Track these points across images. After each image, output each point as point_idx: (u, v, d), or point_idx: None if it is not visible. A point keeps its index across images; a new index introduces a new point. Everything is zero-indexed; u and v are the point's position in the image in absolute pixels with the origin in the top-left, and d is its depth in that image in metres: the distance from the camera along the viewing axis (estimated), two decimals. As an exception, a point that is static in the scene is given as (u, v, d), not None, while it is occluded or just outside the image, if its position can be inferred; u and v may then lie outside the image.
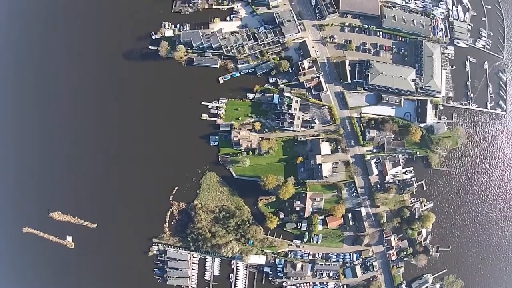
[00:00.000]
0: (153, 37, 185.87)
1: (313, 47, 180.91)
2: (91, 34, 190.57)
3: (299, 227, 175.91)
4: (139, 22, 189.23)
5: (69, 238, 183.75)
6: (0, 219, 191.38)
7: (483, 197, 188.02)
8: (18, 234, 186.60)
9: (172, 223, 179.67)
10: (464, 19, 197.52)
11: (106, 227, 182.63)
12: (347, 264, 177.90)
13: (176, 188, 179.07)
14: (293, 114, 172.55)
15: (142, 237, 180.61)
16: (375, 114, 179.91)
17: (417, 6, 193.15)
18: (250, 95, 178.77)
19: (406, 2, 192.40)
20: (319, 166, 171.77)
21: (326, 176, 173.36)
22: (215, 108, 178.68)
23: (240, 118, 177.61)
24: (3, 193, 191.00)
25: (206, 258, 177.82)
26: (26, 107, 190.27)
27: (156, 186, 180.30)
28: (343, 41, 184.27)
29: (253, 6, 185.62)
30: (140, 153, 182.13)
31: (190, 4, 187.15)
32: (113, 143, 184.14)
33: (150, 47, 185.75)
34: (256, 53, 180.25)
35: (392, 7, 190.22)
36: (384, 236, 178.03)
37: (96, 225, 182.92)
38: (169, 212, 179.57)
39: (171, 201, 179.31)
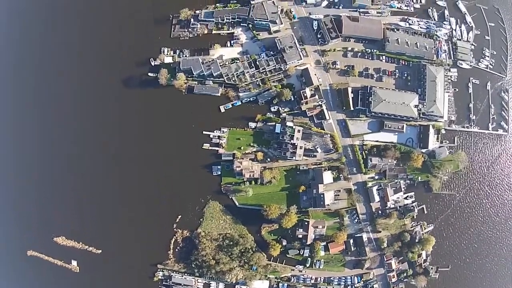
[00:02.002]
0: (152, 63, 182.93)
1: (315, 74, 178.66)
2: (89, 60, 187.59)
3: (301, 253, 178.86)
4: (138, 47, 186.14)
5: (74, 263, 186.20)
6: (4, 241, 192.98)
7: (482, 219, 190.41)
8: (22, 256, 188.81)
9: (177, 250, 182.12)
10: (467, 38, 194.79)
11: (111, 253, 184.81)
12: (348, 287, 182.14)
13: (180, 216, 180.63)
14: (296, 144, 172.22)
15: (146, 263, 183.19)
16: (377, 141, 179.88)
17: (421, 28, 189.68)
18: (252, 124, 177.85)
19: (409, 24, 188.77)
20: (322, 195, 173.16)
21: (328, 204, 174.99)
22: (216, 137, 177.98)
23: (242, 148, 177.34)
24: (7, 216, 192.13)
25: (210, 284, 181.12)
26: (29, 130, 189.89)
27: (159, 214, 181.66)
28: (346, 66, 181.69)
29: (254, 32, 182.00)
30: (144, 181, 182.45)
31: (189, 29, 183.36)
32: (116, 172, 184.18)
33: (149, 73, 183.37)
34: (257, 81, 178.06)
35: (395, 30, 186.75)
36: (385, 259, 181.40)
37: (100, 250, 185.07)
38: (173, 239, 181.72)
39: (175, 229, 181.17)
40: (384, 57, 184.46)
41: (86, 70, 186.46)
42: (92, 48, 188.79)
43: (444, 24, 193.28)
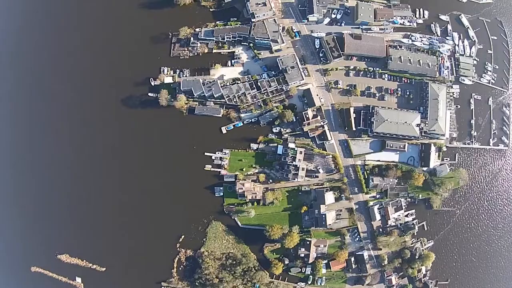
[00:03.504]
0: (152, 83, 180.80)
1: (317, 94, 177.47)
2: (87, 80, 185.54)
3: (303, 271, 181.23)
4: (137, 66, 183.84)
5: (78, 279, 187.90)
6: (8, 257, 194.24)
7: (481, 233, 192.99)
8: (26, 272, 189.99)
9: (180, 268, 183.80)
10: (470, 53, 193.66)
11: (115, 271, 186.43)
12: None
13: (183, 236, 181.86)
14: (298, 166, 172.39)
15: (151, 281, 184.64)
16: (378, 161, 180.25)
17: (423, 44, 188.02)
18: (254, 146, 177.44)
19: (412, 41, 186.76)
20: (323, 215, 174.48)
21: (330, 224, 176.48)
22: (218, 159, 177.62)
23: (244, 169, 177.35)
24: (11, 232, 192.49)
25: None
26: (32, 148, 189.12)
27: (163, 234, 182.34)
28: (348, 86, 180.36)
29: (255, 51, 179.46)
30: (146, 201, 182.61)
31: (189, 48, 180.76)
32: (119, 192, 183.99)
33: (149, 94, 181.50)
34: (259, 101, 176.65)
35: (398, 47, 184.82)
36: (385, 275, 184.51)
37: (105, 268, 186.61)
38: (177, 258, 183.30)
39: (178, 249, 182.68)
40: (386, 75, 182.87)
41: (84, 91, 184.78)
42: (91, 67, 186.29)
43: (447, 39, 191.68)
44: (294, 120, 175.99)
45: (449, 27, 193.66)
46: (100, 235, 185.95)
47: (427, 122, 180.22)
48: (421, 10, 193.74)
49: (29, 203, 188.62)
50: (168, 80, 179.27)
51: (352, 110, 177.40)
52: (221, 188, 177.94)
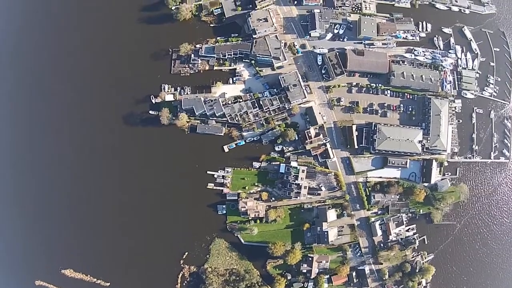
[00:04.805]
0: (153, 101, 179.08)
1: (319, 112, 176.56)
2: (87, 98, 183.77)
3: (305, 286, 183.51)
4: (138, 84, 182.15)
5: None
6: (12, 270, 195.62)
7: (480, 246, 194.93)
8: (30, 286, 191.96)
9: (184, 284, 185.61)
10: (473, 66, 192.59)
11: (120, 286, 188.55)
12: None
13: (187, 253, 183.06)
14: (300, 184, 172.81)
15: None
16: (380, 177, 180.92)
17: (426, 58, 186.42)
18: (256, 164, 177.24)
19: (415, 55, 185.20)
20: (326, 232, 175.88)
21: (332, 241, 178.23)
22: (221, 177, 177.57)
23: (246, 187, 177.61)
24: (15, 246, 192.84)
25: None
26: (35, 164, 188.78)
27: (166, 251, 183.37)
28: (350, 103, 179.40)
29: (257, 68, 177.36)
30: (150, 219, 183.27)
31: (190, 65, 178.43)
32: (123, 210, 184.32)
33: (150, 111, 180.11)
34: (261, 120, 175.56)
35: (401, 62, 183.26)
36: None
37: (109, 283, 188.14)
38: (181, 274, 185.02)
39: (182, 265, 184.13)
40: (389, 91, 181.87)
41: (85, 109, 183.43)
42: (91, 85, 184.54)
43: (450, 52, 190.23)
44: (297, 138, 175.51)
45: (452, 40, 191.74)
46: (105, 251, 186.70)
47: (429, 138, 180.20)
48: (424, 23, 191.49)
49: (34, 217, 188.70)
50: (169, 98, 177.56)
51: (354, 127, 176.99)
52: (224, 206, 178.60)
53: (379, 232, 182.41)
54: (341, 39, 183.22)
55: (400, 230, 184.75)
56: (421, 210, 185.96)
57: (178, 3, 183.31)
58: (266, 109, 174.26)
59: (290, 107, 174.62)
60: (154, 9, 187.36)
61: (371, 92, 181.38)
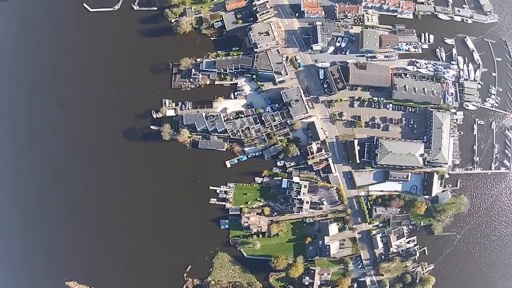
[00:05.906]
0: (154, 116, 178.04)
1: (322, 127, 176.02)
2: (87, 113, 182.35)
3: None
4: (138, 99, 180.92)
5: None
6: (15, 282, 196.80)
7: (480, 256, 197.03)
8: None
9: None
10: (474, 77, 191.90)
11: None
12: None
13: (190, 266, 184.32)
14: (302, 199, 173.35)
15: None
16: (382, 191, 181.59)
17: (428, 71, 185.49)
18: (258, 179, 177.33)
19: (417, 68, 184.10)
20: (327, 246, 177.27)
21: (333, 254, 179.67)
22: (223, 192, 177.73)
23: (249, 202, 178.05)
24: (18, 258, 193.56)
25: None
26: (37, 176, 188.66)
27: (169, 264, 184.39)
28: (352, 117, 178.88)
29: (258, 82, 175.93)
30: (154, 233, 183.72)
31: (191, 80, 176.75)
32: (126, 223, 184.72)
33: (151, 126, 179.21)
34: (263, 135, 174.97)
35: (403, 75, 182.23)
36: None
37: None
38: (184, 286, 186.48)
39: (185, 278, 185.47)
40: (391, 105, 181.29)
41: (85, 124, 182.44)
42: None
43: (452, 64, 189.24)
44: (299, 153, 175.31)
45: (454, 51, 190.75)
46: (109, 264, 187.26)
47: (430, 152, 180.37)
48: (426, 34, 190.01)
49: (38, 230, 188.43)
50: (170, 113, 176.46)
51: (356, 142, 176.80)
52: (227, 220, 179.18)
53: (380, 245, 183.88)
54: (343, 52, 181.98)
55: (401, 242, 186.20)
56: (422, 222, 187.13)
57: (178, 16, 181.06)
58: (268, 124, 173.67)
59: (292, 122, 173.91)
60: (153, 21, 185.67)
61: (373, 106, 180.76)
